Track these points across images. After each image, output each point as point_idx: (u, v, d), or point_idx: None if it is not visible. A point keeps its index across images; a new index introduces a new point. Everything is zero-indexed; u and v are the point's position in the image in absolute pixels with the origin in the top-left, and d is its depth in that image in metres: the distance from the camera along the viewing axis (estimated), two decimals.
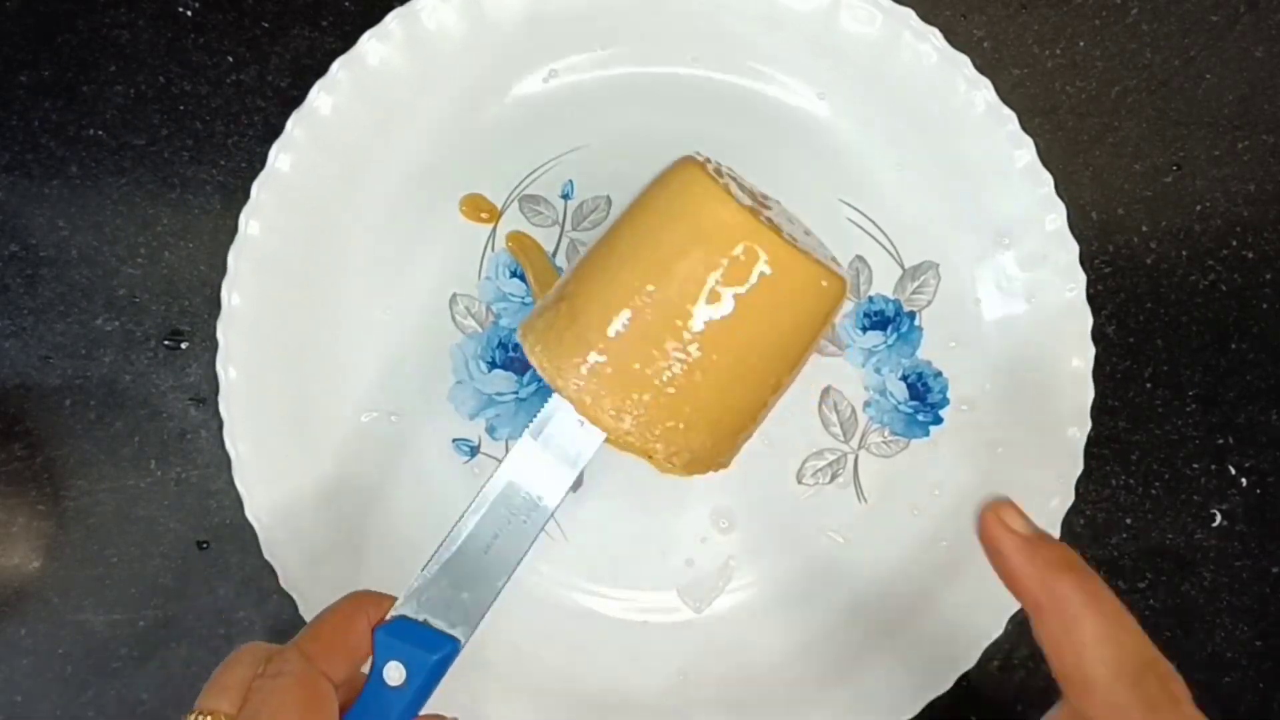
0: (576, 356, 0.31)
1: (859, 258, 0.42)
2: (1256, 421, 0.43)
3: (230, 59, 0.44)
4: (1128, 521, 0.42)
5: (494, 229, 0.42)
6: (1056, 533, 0.39)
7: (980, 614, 0.39)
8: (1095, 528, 0.42)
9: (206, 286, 0.42)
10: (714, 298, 0.30)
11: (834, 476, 0.41)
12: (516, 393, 0.41)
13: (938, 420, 0.41)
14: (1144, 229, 0.44)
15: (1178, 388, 0.43)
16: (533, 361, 0.32)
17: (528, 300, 0.41)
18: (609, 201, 0.42)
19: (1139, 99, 0.45)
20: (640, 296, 0.30)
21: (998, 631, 0.38)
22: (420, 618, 0.31)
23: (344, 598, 0.32)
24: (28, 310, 0.42)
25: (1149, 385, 0.43)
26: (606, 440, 0.32)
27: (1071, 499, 0.39)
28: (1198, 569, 0.42)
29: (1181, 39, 0.45)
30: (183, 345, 0.42)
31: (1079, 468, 0.39)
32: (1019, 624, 0.40)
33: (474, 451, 0.41)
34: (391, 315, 0.41)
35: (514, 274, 0.41)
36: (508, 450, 0.41)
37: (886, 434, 0.41)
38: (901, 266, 0.42)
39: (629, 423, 0.30)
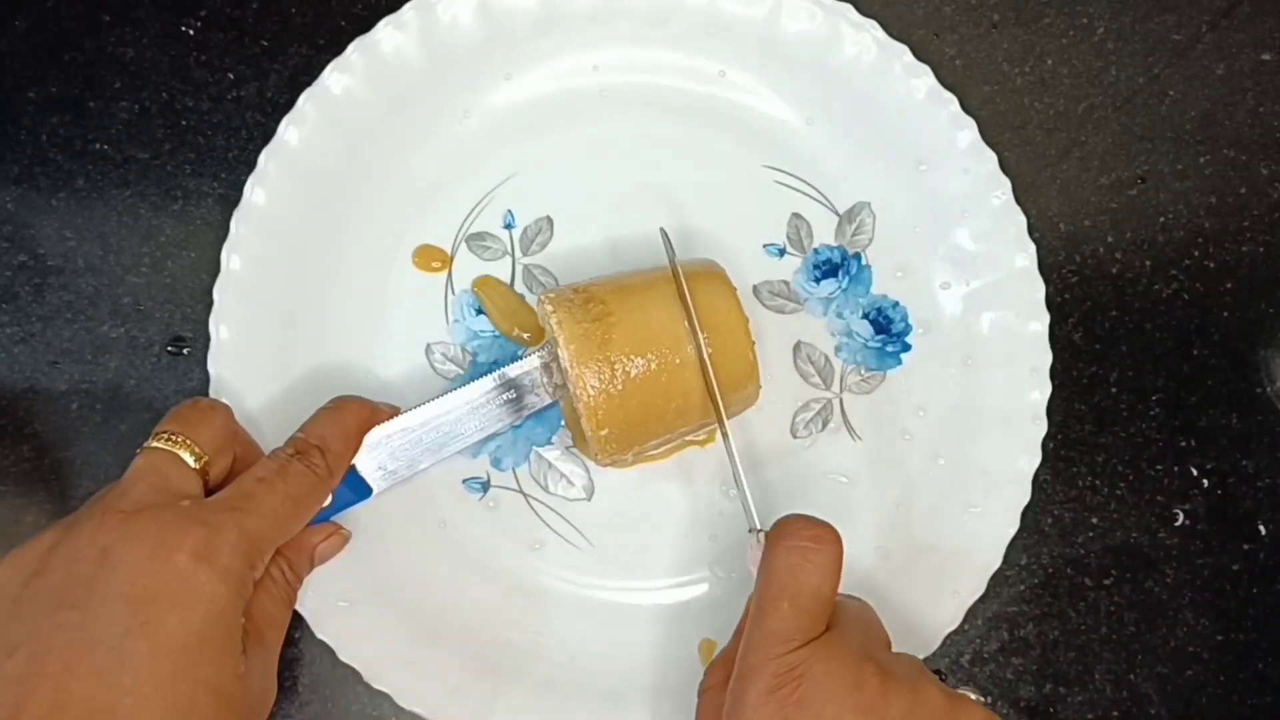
0: (594, 363, 0.36)
1: (796, 215, 0.43)
2: (1217, 425, 0.43)
3: (231, 76, 0.45)
4: (1094, 521, 0.43)
5: (449, 274, 0.43)
6: (1028, 487, 0.40)
7: (993, 522, 0.40)
8: (1063, 527, 0.42)
9: (208, 295, 0.41)
10: (685, 364, 0.37)
11: (825, 423, 0.42)
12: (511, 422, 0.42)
13: (906, 348, 0.43)
14: (1109, 240, 0.45)
15: (1141, 392, 0.44)
16: (548, 326, 0.37)
17: (498, 335, 0.42)
18: (550, 221, 0.43)
19: (1105, 115, 0.46)
20: (648, 350, 0.37)
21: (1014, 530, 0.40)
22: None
23: (351, 408, 0.37)
24: (36, 317, 0.43)
25: (1114, 390, 0.44)
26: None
27: (1049, 389, 0.41)
28: (1161, 566, 0.42)
29: (1146, 57, 0.46)
30: (185, 351, 0.43)
31: (1048, 359, 0.41)
32: (1019, 623, 0.41)
33: (485, 487, 0.41)
34: (372, 377, 0.42)
35: (479, 311, 0.42)
36: (516, 479, 0.41)
37: (862, 372, 0.43)
38: (836, 213, 0.43)
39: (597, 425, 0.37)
